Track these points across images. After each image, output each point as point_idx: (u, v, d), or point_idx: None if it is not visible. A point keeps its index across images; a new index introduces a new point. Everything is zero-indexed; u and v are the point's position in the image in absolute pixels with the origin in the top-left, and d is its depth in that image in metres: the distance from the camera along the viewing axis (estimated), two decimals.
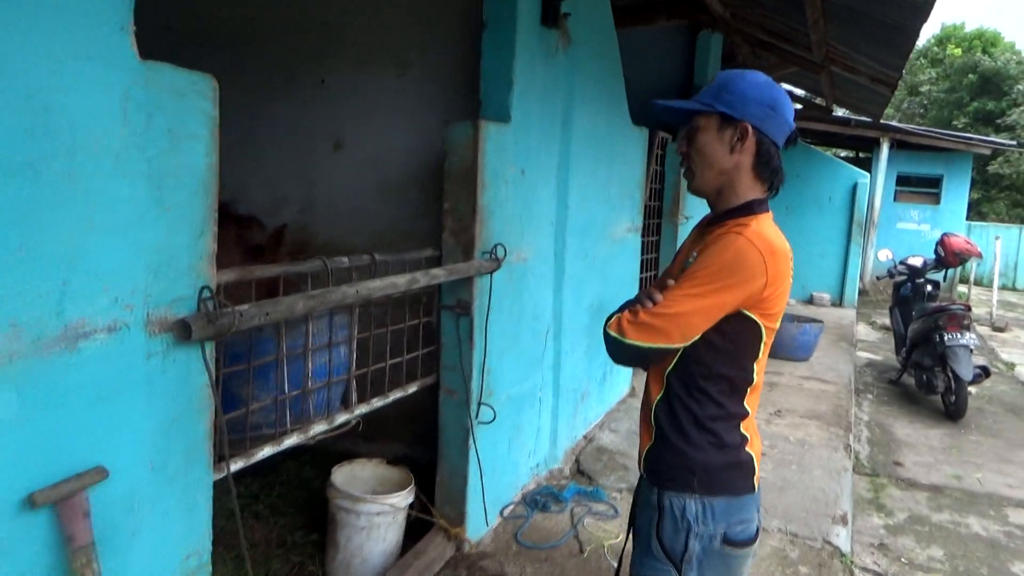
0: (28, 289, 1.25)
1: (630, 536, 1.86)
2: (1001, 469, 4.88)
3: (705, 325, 1.51)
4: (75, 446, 1.37)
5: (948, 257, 6.75)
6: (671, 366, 1.60)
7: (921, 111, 26.33)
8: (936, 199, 13.75)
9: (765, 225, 1.56)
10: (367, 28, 3.71)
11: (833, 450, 4.58)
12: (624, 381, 5.31)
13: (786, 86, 8.34)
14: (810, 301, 10.86)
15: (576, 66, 3.68)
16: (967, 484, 4.58)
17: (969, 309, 6.04)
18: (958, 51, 25.42)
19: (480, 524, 3.14)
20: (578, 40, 3.62)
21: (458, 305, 2.93)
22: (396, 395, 2.74)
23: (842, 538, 3.42)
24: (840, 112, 12.24)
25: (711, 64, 6.94)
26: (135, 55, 1.40)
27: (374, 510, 2.78)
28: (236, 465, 1.99)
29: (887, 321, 8.50)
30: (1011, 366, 8.16)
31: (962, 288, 13.28)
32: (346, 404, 2.57)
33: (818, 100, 10.62)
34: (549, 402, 3.82)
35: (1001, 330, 10.42)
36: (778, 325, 1.61)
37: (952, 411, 5.87)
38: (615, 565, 3.01)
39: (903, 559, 3.55)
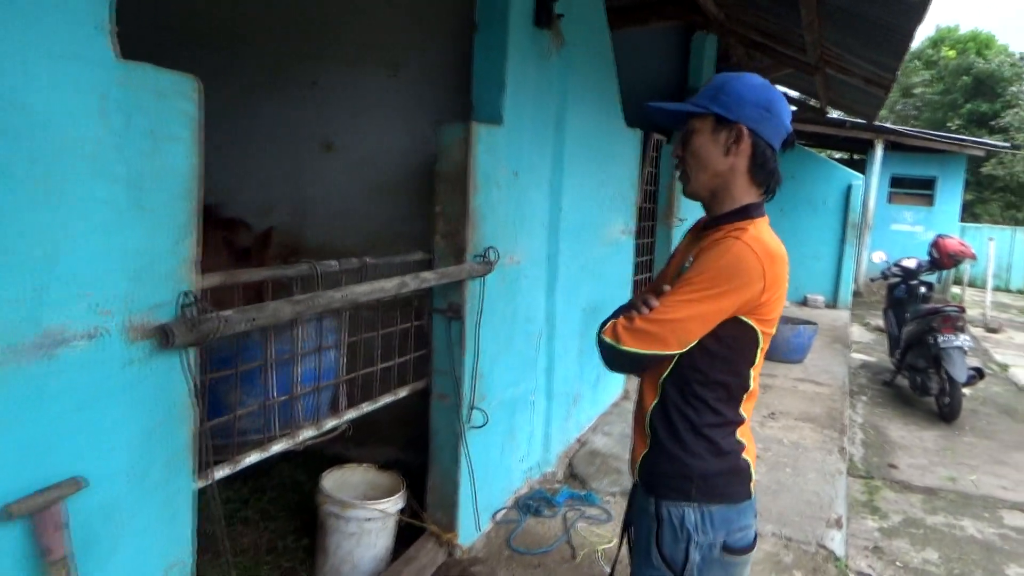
0: (2, 295, 1.22)
1: (624, 544, 1.83)
2: (995, 471, 4.87)
3: (702, 331, 1.49)
4: (52, 456, 1.34)
5: (942, 259, 6.75)
6: (666, 372, 1.57)
7: (915, 113, 26.42)
8: (930, 201, 13.78)
9: (763, 229, 1.53)
10: (359, 28, 3.68)
11: (827, 452, 4.56)
12: (617, 383, 5.29)
13: (780, 88, 8.31)
14: (804, 303, 10.86)
15: (569, 67, 3.65)
16: (961, 486, 4.57)
17: (963, 311, 6.04)
18: (952, 53, 25.51)
19: (472, 529, 3.11)
20: (571, 41, 3.60)
21: (449, 309, 2.90)
22: (386, 400, 2.71)
23: (836, 542, 3.39)
24: (834, 114, 12.26)
25: (705, 66, 6.93)
26: (114, 54, 1.37)
27: (364, 516, 2.75)
28: (222, 472, 1.95)
29: (881, 323, 8.49)
30: (1005, 367, 8.17)
31: (956, 289, 13.30)
32: (335, 409, 2.54)
33: (812, 102, 10.64)
34: (542, 406, 3.79)
35: (995, 331, 10.43)
36: (775, 330, 1.59)
37: (946, 413, 5.86)
38: (608, 571, 2.98)
39: (898, 562, 3.54)
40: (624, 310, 1.58)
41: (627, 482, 3.84)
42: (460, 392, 2.92)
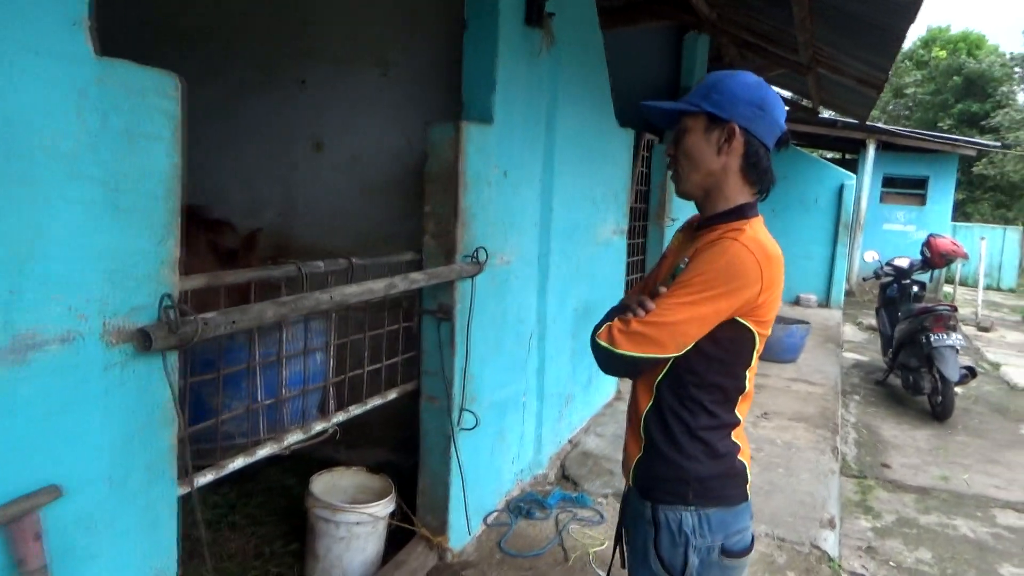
0: None
1: (618, 549, 1.80)
2: (988, 470, 4.87)
3: (699, 334, 1.46)
4: (27, 464, 1.30)
5: (934, 258, 6.76)
6: (661, 375, 1.55)
7: (907, 113, 26.52)
8: (922, 200, 13.82)
9: (759, 230, 1.51)
10: (348, 27, 3.65)
11: (820, 453, 4.55)
12: (610, 384, 5.27)
13: (773, 88, 8.33)
14: (796, 302, 10.87)
15: (561, 67, 3.62)
16: (954, 485, 4.57)
17: (955, 310, 6.04)
18: (943, 53, 25.62)
19: (463, 532, 3.08)
20: (563, 40, 3.57)
21: (439, 309, 2.87)
22: (375, 402, 2.68)
23: (830, 542, 3.38)
24: (826, 114, 12.28)
25: (698, 66, 6.92)
26: (91, 51, 1.33)
27: (353, 520, 2.72)
28: (206, 477, 1.92)
29: (873, 322, 8.51)
30: (996, 366, 8.19)
31: (947, 288, 13.35)
32: (323, 412, 2.50)
33: (804, 102, 10.64)
34: (533, 407, 3.77)
35: (986, 330, 10.46)
36: (770, 332, 1.56)
37: (939, 412, 5.87)
38: (601, 574, 2.96)
39: (891, 562, 3.53)
40: (618, 312, 1.55)
41: (620, 483, 3.81)
42: (450, 394, 2.90)
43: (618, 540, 1.81)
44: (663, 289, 1.49)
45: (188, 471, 1.63)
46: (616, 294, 4.93)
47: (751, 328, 1.50)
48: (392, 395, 2.79)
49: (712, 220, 1.55)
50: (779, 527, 3.46)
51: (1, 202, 1.21)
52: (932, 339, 5.76)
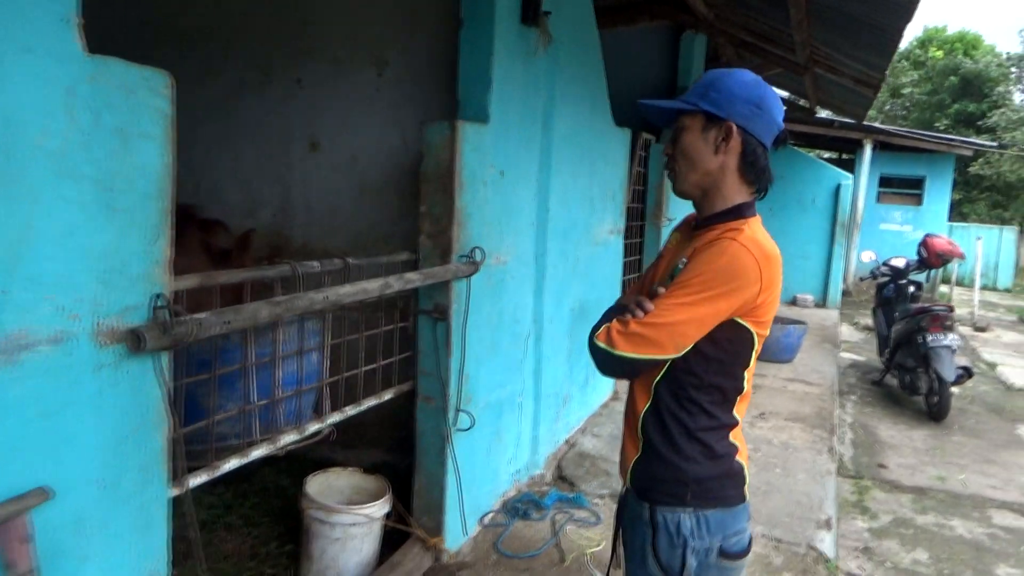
0: None
1: (616, 552, 1.79)
2: (984, 470, 4.87)
3: (699, 335, 1.45)
4: (16, 466, 1.29)
5: (931, 258, 6.76)
6: (660, 376, 1.53)
7: (903, 113, 26.57)
8: (918, 200, 13.84)
9: (757, 230, 1.50)
10: (344, 26, 3.63)
11: (817, 453, 4.55)
12: (607, 384, 5.26)
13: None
14: (793, 302, 10.87)
15: (557, 66, 3.61)
16: (951, 486, 4.57)
17: (952, 310, 6.05)
18: (940, 53, 25.67)
19: (458, 533, 3.07)
20: (559, 39, 3.56)
21: (435, 309, 2.86)
22: (370, 403, 2.66)
23: (826, 543, 3.37)
24: (823, 114, 12.29)
25: (695, 65, 6.91)
26: (81, 49, 1.32)
27: (348, 521, 2.70)
28: (200, 479, 1.90)
29: (870, 322, 8.51)
30: (993, 366, 8.20)
31: (944, 288, 13.36)
32: (318, 413, 2.49)
33: (802, 102, 10.66)
34: (530, 407, 3.76)
35: (982, 330, 10.48)
36: (768, 332, 1.56)
37: (935, 412, 5.87)
38: (598, 575, 2.95)
39: (888, 563, 3.52)
40: (615, 312, 1.54)
41: (616, 484, 3.81)
42: (446, 394, 2.88)
43: (615, 541, 1.80)
44: (661, 290, 1.48)
45: (181, 473, 1.61)
46: (613, 294, 4.92)
47: (750, 328, 1.49)
48: (388, 395, 2.78)
49: (710, 220, 1.54)
50: (776, 528, 3.46)
51: None
52: (928, 339, 5.76)
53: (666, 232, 6.27)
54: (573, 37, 3.83)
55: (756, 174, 1.52)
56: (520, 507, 3.43)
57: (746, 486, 1.61)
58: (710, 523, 1.54)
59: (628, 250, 5.56)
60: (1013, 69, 24.64)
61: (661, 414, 1.55)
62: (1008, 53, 25.29)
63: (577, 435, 4.53)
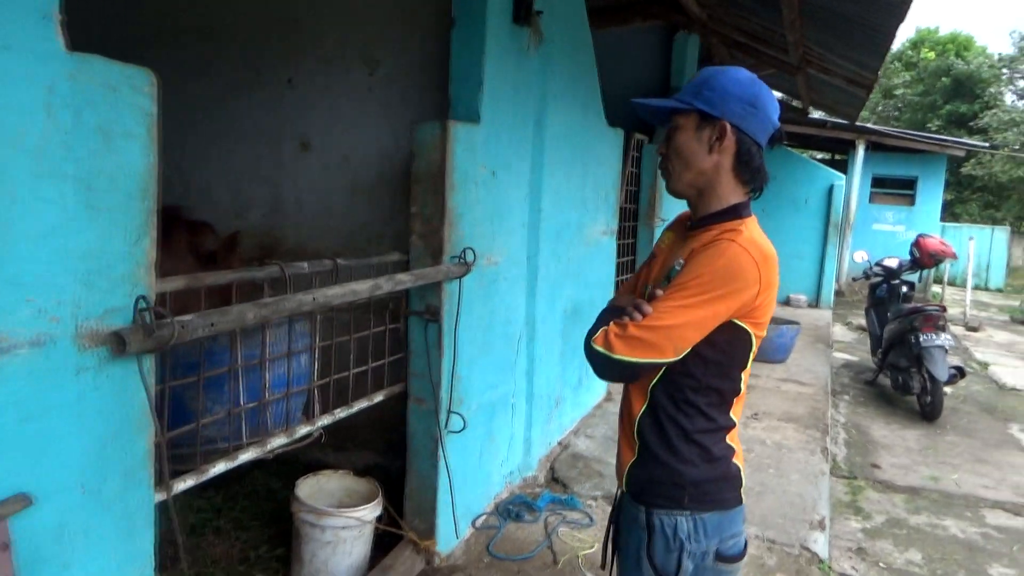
0: None
1: (610, 555, 1.77)
2: (977, 470, 4.88)
3: (698, 337, 1.43)
4: None
5: (923, 258, 6.78)
6: (656, 379, 1.51)
7: (896, 114, 26.67)
8: (911, 200, 13.89)
9: (754, 230, 1.49)
10: (336, 25, 3.60)
11: (810, 453, 4.54)
12: (600, 385, 5.25)
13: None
14: (787, 302, 10.88)
15: (549, 66, 3.60)
16: (944, 485, 4.57)
17: (944, 310, 6.06)
18: (932, 55, 25.77)
19: (450, 536, 3.04)
20: (551, 39, 3.54)
21: (427, 311, 2.84)
22: (361, 405, 2.64)
23: (820, 544, 3.37)
24: (816, 114, 12.32)
25: (688, 66, 6.91)
26: (61, 46, 1.29)
27: (339, 524, 2.68)
28: (186, 483, 1.88)
29: (863, 322, 8.53)
30: (985, 366, 8.22)
31: (936, 288, 13.41)
32: (308, 415, 2.46)
33: (795, 102, 10.67)
34: (522, 409, 3.74)
35: (975, 330, 10.52)
36: (765, 333, 1.54)
37: (928, 412, 5.88)
38: None
39: (881, 563, 3.52)
40: (611, 315, 1.51)
41: (610, 486, 3.79)
42: (437, 396, 2.86)
43: (607, 544, 1.78)
44: (659, 292, 1.46)
45: (166, 477, 1.59)
46: (606, 295, 4.91)
47: (748, 330, 1.47)
48: (379, 397, 2.76)
49: (706, 220, 1.52)
50: (769, 529, 3.44)
51: None
52: (921, 339, 5.77)
53: (659, 232, 6.26)
54: (565, 37, 3.82)
55: (751, 174, 1.51)
56: (513, 509, 3.41)
57: (743, 488, 1.60)
58: (707, 526, 1.53)
59: (621, 251, 5.55)
60: (1005, 70, 24.76)
61: (658, 417, 1.53)
62: (1000, 54, 25.43)
63: (570, 436, 4.51)
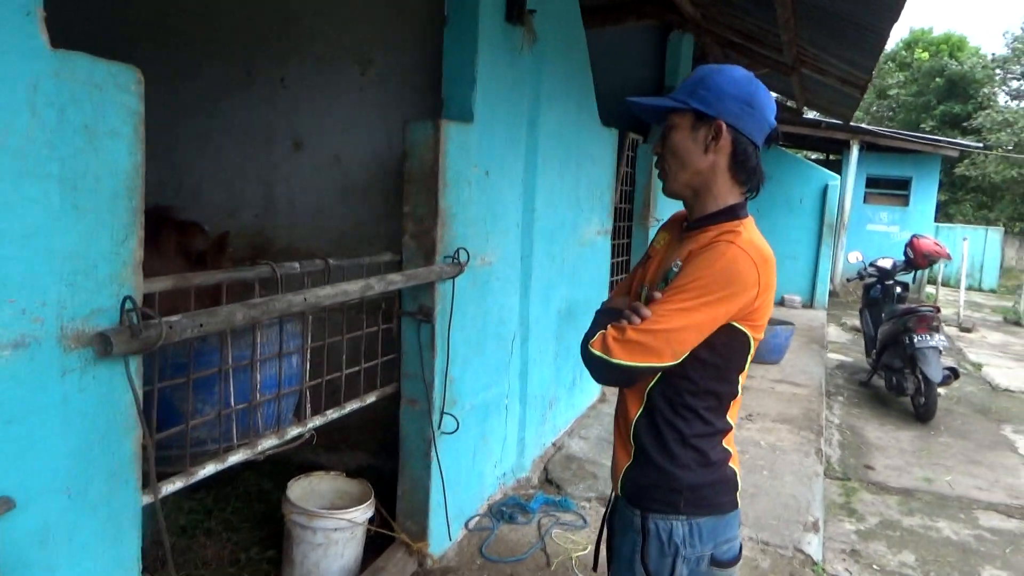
0: None
1: (604, 558, 1.76)
2: (970, 471, 4.88)
3: (697, 341, 1.41)
4: None
5: (917, 259, 6.78)
6: (653, 382, 1.50)
7: (890, 114, 26.75)
8: (905, 201, 13.91)
9: (753, 232, 1.47)
10: (328, 24, 3.58)
11: (804, 455, 4.54)
12: (594, 386, 5.23)
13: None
14: (781, 303, 10.90)
15: (543, 65, 3.58)
16: (937, 487, 4.57)
17: (938, 311, 6.06)
18: (925, 55, 25.85)
19: (443, 538, 3.03)
20: (544, 38, 3.53)
21: (419, 311, 2.82)
22: (353, 406, 2.62)
23: (813, 546, 3.36)
24: (811, 114, 12.33)
25: (682, 65, 6.90)
26: (44, 43, 1.27)
27: (331, 526, 2.66)
28: (174, 485, 1.86)
29: (857, 323, 8.53)
30: (978, 366, 8.24)
31: (930, 289, 13.45)
32: (299, 416, 2.45)
33: (789, 103, 10.68)
34: (516, 410, 3.72)
35: (968, 330, 10.54)
36: (763, 335, 1.52)
37: (922, 413, 5.88)
38: None
39: (875, 565, 3.51)
40: (607, 318, 1.49)
41: (603, 487, 3.78)
42: (430, 397, 2.84)
43: (599, 547, 1.77)
44: (657, 294, 1.44)
45: (152, 479, 1.57)
46: (600, 295, 4.90)
47: (746, 332, 1.46)
48: (371, 398, 2.74)
49: (703, 221, 1.50)
50: (763, 531, 3.44)
51: None
52: (915, 340, 5.78)
53: (654, 232, 6.24)
54: (559, 36, 3.80)
55: (748, 174, 1.49)
56: (506, 511, 3.39)
57: (738, 492, 1.58)
58: (703, 531, 1.51)
59: (616, 250, 5.53)
60: (998, 71, 24.87)
61: (655, 420, 1.51)
62: (993, 55, 25.55)
63: (564, 437, 4.50)
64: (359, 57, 3.55)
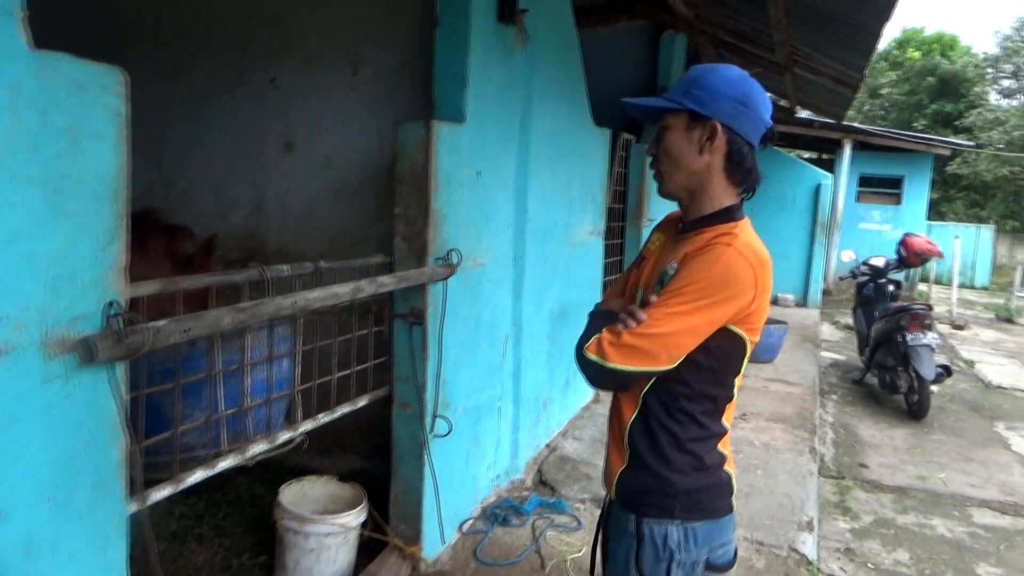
0: None
1: (598, 561, 1.74)
2: (964, 468, 4.89)
3: (693, 344, 1.39)
4: None
5: (910, 257, 6.80)
6: (648, 386, 1.48)
7: (882, 113, 26.83)
8: (897, 199, 13.96)
9: (750, 234, 1.45)
10: (319, 25, 3.56)
11: (798, 454, 4.54)
12: (588, 387, 5.22)
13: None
14: (774, 302, 10.90)
15: (535, 65, 3.57)
16: (931, 485, 4.57)
17: (930, 309, 6.07)
18: (917, 54, 25.95)
19: (436, 542, 3.01)
20: (537, 38, 3.51)
21: (411, 313, 2.80)
22: (345, 409, 2.60)
23: (808, 545, 3.35)
24: (803, 114, 12.35)
25: (675, 65, 6.90)
26: (25, 43, 1.25)
27: (323, 531, 2.64)
28: (162, 492, 1.83)
29: (850, 321, 8.55)
30: (971, 364, 8.26)
31: (922, 287, 13.49)
32: (290, 421, 2.42)
33: (782, 102, 10.69)
34: (509, 412, 3.70)
35: (961, 328, 10.57)
36: (759, 338, 1.51)
37: (915, 411, 5.89)
38: None
39: (869, 564, 3.51)
40: (601, 320, 1.48)
41: (597, 489, 3.77)
42: (422, 400, 2.82)
43: (595, 550, 1.75)
44: (653, 298, 1.42)
45: (140, 487, 1.54)
46: (594, 296, 4.89)
47: (742, 336, 1.44)
48: (362, 402, 2.72)
49: (698, 223, 1.49)
50: (757, 530, 3.43)
51: None
52: (908, 338, 5.78)
53: (647, 233, 6.24)
54: (551, 36, 3.79)
55: (743, 174, 1.47)
56: (500, 513, 3.38)
57: (733, 496, 1.57)
58: (698, 536, 1.50)
59: (609, 251, 5.52)
60: (989, 70, 24.98)
61: (650, 424, 1.50)
62: (985, 54, 25.65)
63: (558, 439, 4.49)
64: (350, 57, 3.52)
